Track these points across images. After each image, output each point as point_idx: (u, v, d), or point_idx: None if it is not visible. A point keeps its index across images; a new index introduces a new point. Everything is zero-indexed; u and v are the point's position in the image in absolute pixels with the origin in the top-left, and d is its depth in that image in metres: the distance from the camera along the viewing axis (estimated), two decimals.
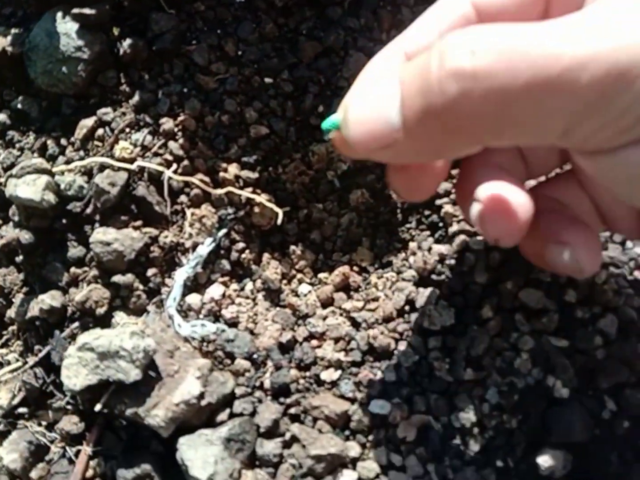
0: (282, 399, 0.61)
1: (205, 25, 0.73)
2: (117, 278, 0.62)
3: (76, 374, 0.54)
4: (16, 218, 0.66)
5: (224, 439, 0.57)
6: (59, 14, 0.68)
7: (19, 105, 0.70)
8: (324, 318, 0.64)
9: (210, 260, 0.68)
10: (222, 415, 0.59)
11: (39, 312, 0.62)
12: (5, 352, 0.66)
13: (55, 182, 0.63)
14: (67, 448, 0.62)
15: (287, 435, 0.59)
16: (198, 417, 0.58)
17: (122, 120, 0.68)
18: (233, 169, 0.69)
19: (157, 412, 0.55)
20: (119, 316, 0.62)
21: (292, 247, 0.71)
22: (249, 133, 0.69)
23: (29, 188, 0.60)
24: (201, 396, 0.58)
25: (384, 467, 0.57)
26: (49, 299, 0.61)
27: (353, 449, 0.58)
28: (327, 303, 0.66)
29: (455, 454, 0.56)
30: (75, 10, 0.67)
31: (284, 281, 0.70)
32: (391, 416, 0.57)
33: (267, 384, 0.61)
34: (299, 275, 0.70)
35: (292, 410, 0.60)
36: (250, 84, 0.71)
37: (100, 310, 0.62)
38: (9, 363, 0.65)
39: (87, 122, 0.68)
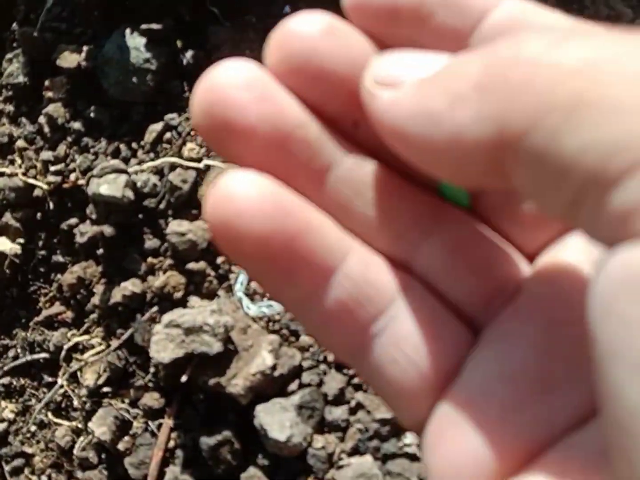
0: (345, 370, 0.66)
1: (256, 35, 0.80)
2: (191, 265, 0.68)
3: (164, 348, 0.60)
4: (94, 216, 0.72)
5: (297, 406, 0.62)
6: (128, 31, 0.76)
7: (92, 114, 0.77)
8: None
9: None
10: (292, 386, 0.65)
11: (121, 298, 0.68)
12: (88, 338, 0.72)
13: (132, 180, 0.69)
14: (149, 422, 0.68)
15: (353, 403, 0.64)
16: (271, 386, 0.64)
17: (187, 124, 0.74)
18: None
19: (237, 382, 0.61)
20: (193, 300, 0.68)
21: None
22: None
23: (110, 186, 0.67)
24: (274, 367, 0.63)
25: None
26: (131, 286, 0.68)
27: None
28: None
29: None
30: (144, 26, 0.74)
31: None
32: None
33: (330, 357, 0.67)
34: None
35: (355, 380, 0.66)
36: None
37: (177, 295, 0.68)
38: (92, 347, 0.71)
39: (156, 127, 0.74)
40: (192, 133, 0.74)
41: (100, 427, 0.66)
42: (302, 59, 0.20)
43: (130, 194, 0.68)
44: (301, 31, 0.20)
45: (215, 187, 0.20)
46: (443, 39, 0.21)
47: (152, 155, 0.74)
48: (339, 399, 0.64)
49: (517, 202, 0.21)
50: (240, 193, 0.20)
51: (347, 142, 0.22)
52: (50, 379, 0.77)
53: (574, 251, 0.21)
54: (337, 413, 0.64)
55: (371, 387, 0.23)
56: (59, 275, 0.77)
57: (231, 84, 0.20)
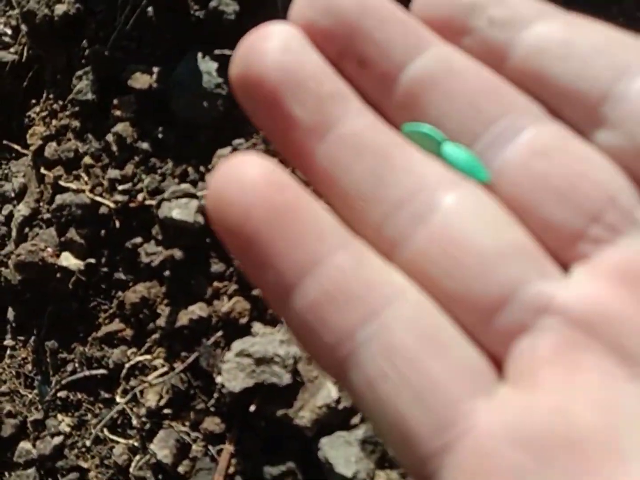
0: None
1: None
2: (257, 292, 0.69)
3: (235, 377, 0.60)
4: (160, 237, 0.73)
5: (360, 441, 0.63)
6: (199, 55, 0.76)
7: (159, 135, 0.78)
8: None
9: None
10: (355, 419, 0.65)
11: (188, 321, 0.68)
12: (150, 358, 0.73)
13: (202, 205, 0.70)
14: (209, 447, 0.68)
15: None
16: (336, 419, 0.64)
17: (255, 150, 0.75)
18: None
19: (303, 414, 0.61)
20: (257, 326, 0.69)
21: None
22: None
23: (182, 211, 0.67)
24: (338, 400, 0.63)
25: None
26: (198, 310, 0.68)
27: None
28: None
29: None
30: (217, 52, 0.75)
31: None
32: None
33: None
34: None
35: None
36: None
37: (242, 321, 0.68)
38: (155, 368, 0.72)
39: (224, 152, 0.75)
40: None
41: (163, 449, 0.67)
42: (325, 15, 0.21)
43: (201, 219, 0.69)
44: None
45: (219, 168, 0.18)
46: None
47: None
48: None
49: None
50: (238, 172, 0.19)
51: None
52: (107, 395, 0.78)
53: None
54: None
55: (367, 419, 0.20)
56: (119, 293, 0.78)
57: (260, 37, 0.20)
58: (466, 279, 0.19)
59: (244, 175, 0.19)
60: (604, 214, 0.19)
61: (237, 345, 0.62)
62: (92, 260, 0.77)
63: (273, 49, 0.20)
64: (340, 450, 0.62)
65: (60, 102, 0.87)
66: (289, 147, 0.20)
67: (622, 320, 0.18)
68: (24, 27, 0.92)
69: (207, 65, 0.76)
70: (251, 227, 0.18)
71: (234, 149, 0.75)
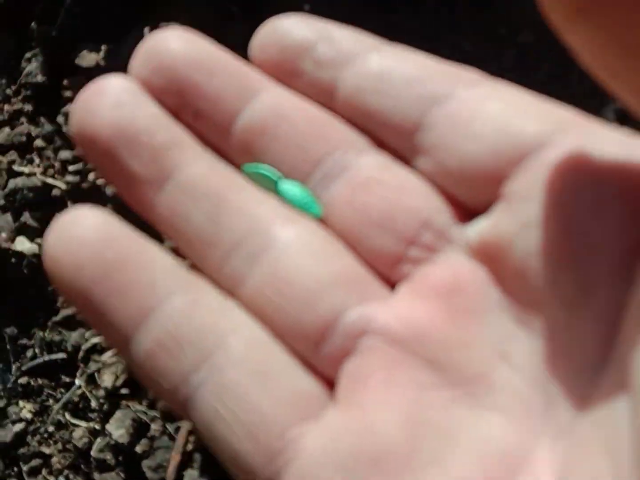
0: None
1: None
2: None
3: None
4: None
5: None
6: (146, 29, 0.75)
7: None
8: None
9: None
10: None
11: None
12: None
13: None
14: (167, 425, 0.67)
15: None
16: None
17: None
18: None
19: None
20: None
21: None
22: None
23: None
24: None
25: None
26: None
27: None
28: None
29: None
30: (163, 25, 0.73)
31: None
32: None
33: None
34: None
35: None
36: None
37: None
38: (110, 348, 0.71)
39: None
40: None
41: (118, 429, 0.66)
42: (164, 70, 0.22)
43: None
44: (161, 45, 0.23)
45: (54, 225, 0.20)
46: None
47: None
48: None
49: None
50: (72, 225, 0.20)
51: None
52: (67, 379, 0.76)
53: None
54: None
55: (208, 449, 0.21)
56: None
57: (95, 93, 0.22)
58: (295, 311, 0.20)
59: (76, 231, 0.20)
60: (419, 237, 0.21)
61: None
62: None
63: (105, 104, 0.21)
64: None
65: (13, 87, 0.85)
66: (131, 198, 0.22)
67: (435, 334, 0.19)
68: None
69: None
70: (83, 284, 0.19)
71: None
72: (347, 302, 0.20)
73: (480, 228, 0.20)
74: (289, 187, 0.22)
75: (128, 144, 0.21)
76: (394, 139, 0.22)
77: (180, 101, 0.22)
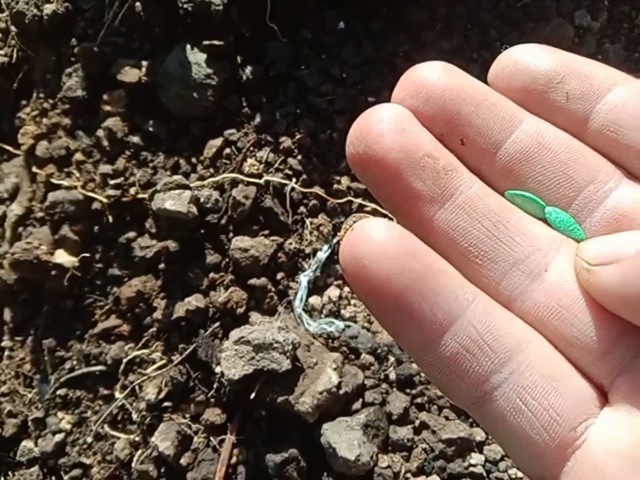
0: (407, 390, 0.66)
1: (312, 51, 0.80)
2: (253, 281, 0.69)
3: (234, 364, 0.60)
4: (154, 230, 0.73)
5: (363, 425, 0.62)
6: (188, 46, 0.76)
7: (150, 128, 0.78)
8: None
9: (327, 265, 0.74)
10: (357, 404, 0.65)
11: (184, 313, 0.68)
12: (147, 352, 0.72)
13: (195, 196, 0.70)
14: (211, 438, 0.68)
15: (417, 422, 0.64)
16: (336, 405, 0.64)
17: (246, 140, 0.75)
18: (345, 181, 0.76)
19: (305, 400, 0.61)
20: (254, 316, 0.69)
21: None
22: None
23: (175, 202, 0.67)
24: (339, 386, 0.63)
25: None
26: (195, 301, 0.68)
27: (478, 434, 0.63)
28: None
29: None
30: (206, 42, 0.75)
31: None
32: None
33: (392, 376, 0.67)
34: None
35: (418, 400, 0.65)
36: (356, 103, 0.78)
37: (239, 311, 0.68)
38: (153, 362, 0.71)
39: (215, 142, 0.75)
40: (252, 149, 0.75)
41: (164, 441, 0.66)
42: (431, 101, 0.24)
43: (194, 209, 0.69)
44: (428, 76, 0.24)
45: (351, 230, 0.23)
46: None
47: (211, 170, 0.75)
48: (403, 419, 0.64)
49: None
50: (371, 236, 0.22)
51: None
52: (106, 392, 0.77)
53: None
54: (402, 432, 0.64)
55: (494, 439, 0.25)
56: (115, 288, 0.77)
57: (374, 119, 0.23)
58: (582, 327, 0.23)
59: (377, 245, 0.22)
60: None
61: (236, 333, 0.62)
62: (87, 255, 0.76)
63: (389, 130, 0.23)
64: (343, 435, 0.61)
65: (51, 101, 0.86)
66: (408, 215, 0.24)
67: None
68: (13, 29, 0.92)
69: (196, 57, 0.75)
70: (394, 292, 0.22)
71: (226, 140, 0.75)
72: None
73: None
74: (557, 213, 0.24)
75: (414, 166, 0.23)
76: None
77: (448, 129, 0.24)
